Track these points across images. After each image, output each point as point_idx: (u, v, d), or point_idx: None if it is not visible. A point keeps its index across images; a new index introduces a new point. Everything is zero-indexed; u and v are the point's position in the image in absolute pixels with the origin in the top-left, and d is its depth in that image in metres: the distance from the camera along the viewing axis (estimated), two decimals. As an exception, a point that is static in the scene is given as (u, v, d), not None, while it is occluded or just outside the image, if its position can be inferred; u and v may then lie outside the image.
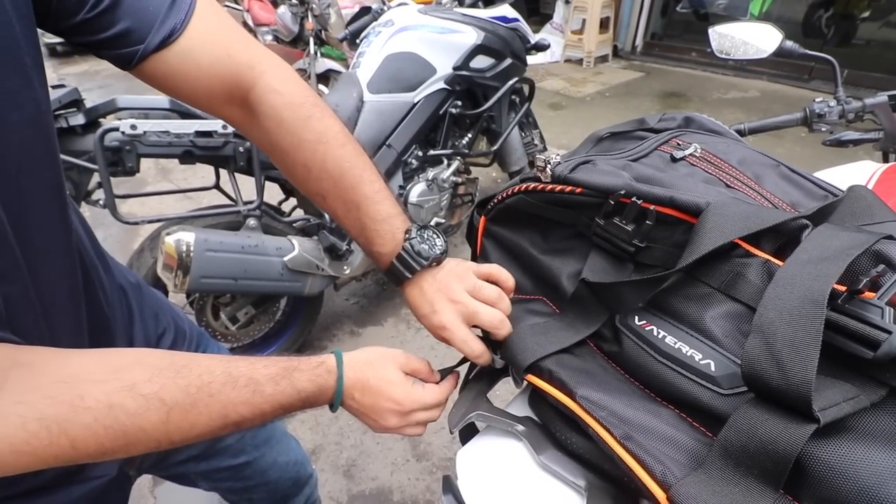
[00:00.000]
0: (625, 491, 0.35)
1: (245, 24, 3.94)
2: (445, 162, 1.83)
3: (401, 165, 1.72)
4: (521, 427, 0.41)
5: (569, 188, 0.42)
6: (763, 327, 0.28)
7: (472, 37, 1.66)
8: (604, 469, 0.36)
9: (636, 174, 0.41)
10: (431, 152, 1.77)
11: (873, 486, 0.25)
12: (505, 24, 1.75)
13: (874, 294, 0.28)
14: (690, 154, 0.44)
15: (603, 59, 4.75)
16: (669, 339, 0.35)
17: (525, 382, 0.42)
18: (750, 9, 4.33)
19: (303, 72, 3.20)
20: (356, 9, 3.29)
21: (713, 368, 0.33)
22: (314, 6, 3.25)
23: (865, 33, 4.29)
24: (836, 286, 0.29)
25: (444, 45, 1.63)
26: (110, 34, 0.38)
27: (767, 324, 0.28)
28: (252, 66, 0.45)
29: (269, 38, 3.67)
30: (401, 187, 1.73)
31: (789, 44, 1.02)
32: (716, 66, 4.22)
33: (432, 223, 1.82)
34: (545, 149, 2.40)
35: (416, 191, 1.74)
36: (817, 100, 1.02)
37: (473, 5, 1.80)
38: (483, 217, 0.53)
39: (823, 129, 1.02)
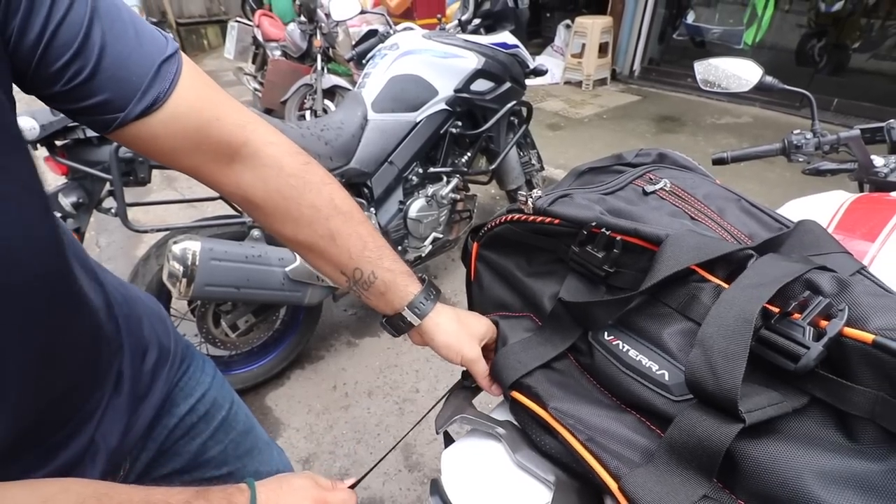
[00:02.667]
0: (589, 487, 0.40)
1: (255, 39, 4.04)
2: (445, 179, 1.89)
3: (401, 181, 1.78)
4: (500, 429, 0.46)
5: (548, 220, 0.47)
6: (704, 341, 0.33)
7: (473, 61, 1.74)
8: (571, 467, 0.41)
9: (609, 207, 0.46)
10: (432, 169, 1.84)
11: (792, 480, 0.30)
12: (505, 50, 1.83)
13: (800, 315, 0.33)
14: (661, 188, 0.49)
15: (601, 82, 4.87)
16: (632, 353, 0.40)
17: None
18: (744, 38, 4.46)
19: (309, 87, 3.28)
20: (364, 28, 3.41)
21: (667, 378, 0.37)
22: (323, 24, 3.35)
23: (857, 63, 4.41)
24: (772, 308, 0.34)
25: (446, 68, 1.71)
26: (88, 104, 0.38)
27: (707, 338, 0.33)
28: (243, 126, 0.46)
29: (277, 53, 3.77)
30: (401, 203, 1.78)
31: (769, 79, 1.08)
32: (710, 92, 4.32)
33: (431, 237, 1.88)
34: (542, 168, 2.47)
35: (416, 206, 1.79)
36: (795, 132, 1.08)
37: (475, 32, 1.88)
38: (476, 243, 0.58)
39: (801, 159, 1.07)
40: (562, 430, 0.40)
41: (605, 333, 0.43)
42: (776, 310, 0.33)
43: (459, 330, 0.52)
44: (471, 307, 0.62)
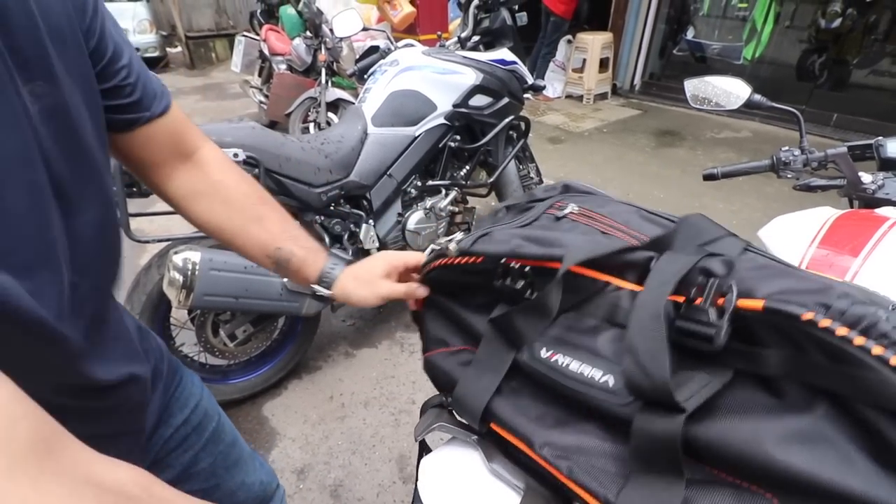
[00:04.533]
0: (558, 494, 0.41)
1: (261, 53, 4.12)
2: (443, 192, 1.92)
3: (400, 194, 1.81)
4: (475, 437, 0.47)
5: (471, 259, 0.50)
6: (630, 346, 0.35)
7: (472, 77, 1.78)
8: (542, 475, 0.42)
9: (527, 236, 0.49)
10: (430, 182, 1.87)
11: (750, 449, 0.32)
12: (503, 67, 1.87)
13: (702, 299, 0.35)
14: (570, 212, 0.52)
15: (602, 96, 4.93)
16: (573, 365, 0.41)
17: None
18: (744, 53, 4.51)
19: (314, 100, 3.34)
20: (368, 42, 3.48)
21: (611, 384, 0.39)
22: (327, 39, 3.43)
23: (857, 78, 4.43)
24: (679, 299, 0.36)
25: (445, 84, 1.74)
26: (128, 101, 0.48)
27: (633, 342, 0.35)
28: (200, 136, 0.59)
29: (283, 66, 3.84)
30: (399, 215, 1.81)
31: (757, 97, 1.10)
32: (700, 109, 4.36)
33: (428, 250, 1.89)
34: (541, 181, 2.50)
35: (414, 218, 1.82)
36: (783, 149, 1.09)
37: (474, 48, 1.92)
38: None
39: (789, 175, 1.09)
40: (544, 464, 0.42)
41: (543, 350, 0.44)
42: (682, 300, 0.36)
43: (365, 283, 0.60)
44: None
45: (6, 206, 0.33)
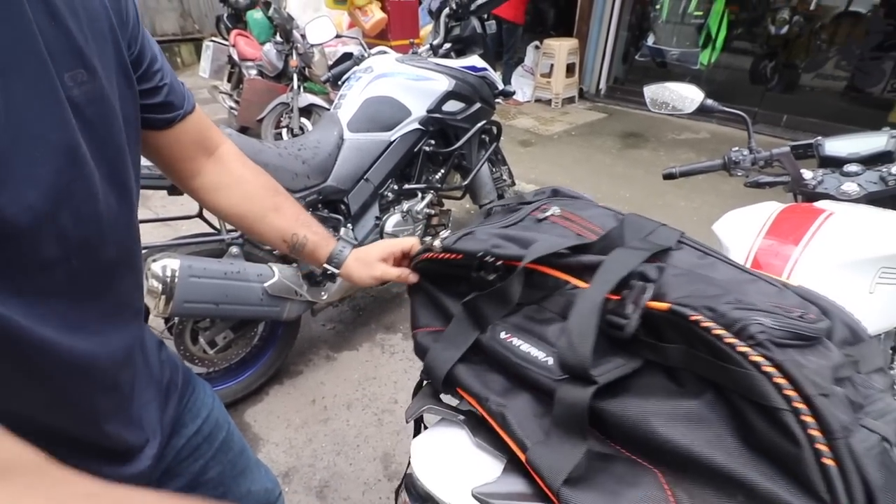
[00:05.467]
0: None
1: (230, 59, 4.07)
2: (420, 195, 1.96)
3: (377, 198, 1.84)
4: (461, 417, 0.52)
5: (452, 255, 0.57)
6: (567, 328, 0.43)
7: (444, 84, 1.83)
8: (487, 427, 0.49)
9: (506, 235, 0.55)
10: (406, 186, 1.91)
11: (641, 423, 0.40)
12: (475, 73, 1.93)
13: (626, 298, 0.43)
14: (551, 215, 0.59)
15: (570, 100, 5.08)
16: (524, 347, 0.49)
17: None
18: (700, 58, 4.73)
19: (286, 105, 3.33)
20: (340, 47, 3.49)
21: (550, 363, 0.47)
22: (299, 45, 3.42)
23: (805, 81, 4.72)
24: (616, 298, 0.43)
25: (419, 90, 1.79)
26: (162, 101, 0.53)
27: (570, 325, 0.43)
28: (221, 134, 0.65)
29: (253, 72, 3.81)
30: (377, 218, 1.84)
31: (709, 101, 1.20)
32: (658, 113, 4.56)
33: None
34: (514, 183, 2.57)
35: (392, 221, 1.86)
36: (734, 149, 1.19)
37: (446, 56, 1.97)
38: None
39: (740, 173, 1.19)
40: (483, 412, 0.50)
41: (502, 333, 0.52)
42: (618, 298, 0.43)
43: (364, 264, 0.69)
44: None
45: (42, 172, 0.36)
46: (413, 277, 0.66)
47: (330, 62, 3.47)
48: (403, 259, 0.70)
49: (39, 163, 0.36)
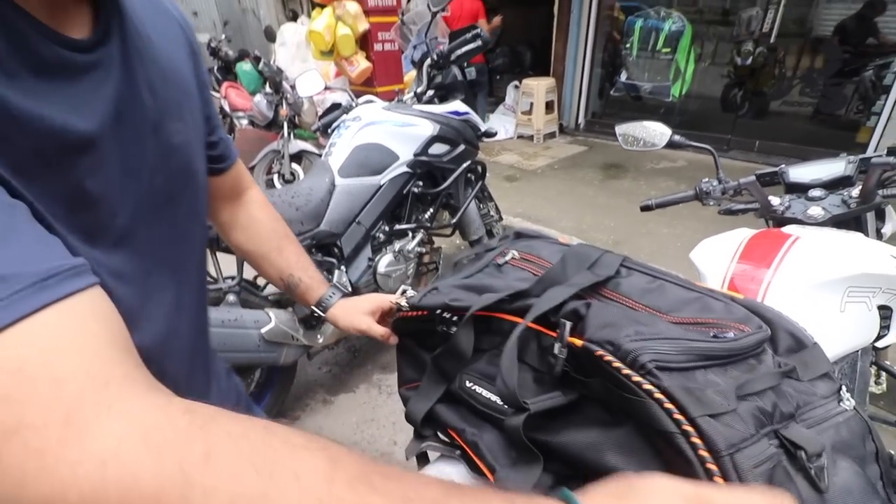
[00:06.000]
0: None
1: (221, 109, 4.20)
2: (410, 234, 2.02)
3: (369, 240, 1.89)
4: (458, 452, 0.55)
5: (417, 312, 0.61)
6: (500, 363, 0.46)
7: (430, 129, 1.92)
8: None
9: (466, 286, 0.59)
10: (398, 227, 1.96)
11: (582, 451, 0.43)
12: (458, 117, 2.03)
13: (556, 335, 0.45)
14: (510, 259, 0.63)
15: (551, 135, 5.27)
16: (485, 393, 0.53)
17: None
18: (672, 91, 4.98)
19: (277, 152, 3.42)
20: (328, 95, 3.63)
21: (501, 403, 0.51)
22: (288, 95, 3.56)
23: (774, 107, 4.92)
24: (553, 334, 0.46)
25: (406, 136, 1.88)
26: (217, 153, 0.63)
27: (501, 361, 0.46)
28: (250, 181, 0.74)
29: (244, 122, 3.92)
30: (370, 259, 1.88)
31: (677, 137, 1.28)
32: (632, 149, 4.72)
33: (400, 290, 1.97)
34: (501, 218, 2.65)
35: (385, 262, 1.90)
36: (704, 180, 1.26)
37: (430, 102, 2.08)
38: (393, 332, 0.72)
39: (712, 203, 1.26)
40: (461, 442, 0.55)
41: (467, 382, 0.55)
42: (555, 334, 0.46)
43: (351, 313, 0.74)
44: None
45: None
46: (393, 339, 0.69)
47: (319, 110, 3.59)
48: (389, 314, 0.73)
49: (142, 202, 0.44)
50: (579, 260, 0.54)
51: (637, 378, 0.38)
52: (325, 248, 1.79)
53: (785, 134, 4.44)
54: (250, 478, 0.25)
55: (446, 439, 0.59)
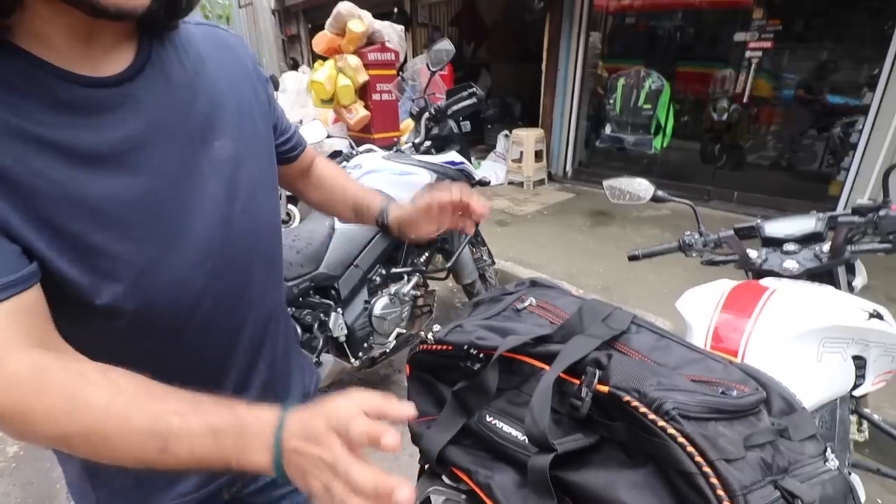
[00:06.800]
0: None
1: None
2: (406, 277, 2.06)
3: (366, 282, 1.93)
4: (463, 496, 0.58)
5: (443, 347, 0.65)
6: (531, 406, 0.50)
7: (427, 177, 2.01)
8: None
9: (489, 326, 0.64)
10: (394, 270, 2.01)
11: (600, 491, 0.46)
12: (453, 167, 2.13)
13: (580, 382, 0.51)
14: (529, 305, 0.68)
15: (540, 182, 5.46)
16: (506, 428, 0.56)
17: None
18: (654, 144, 5.24)
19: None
20: (327, 140, 3.76)
21: (526, 440, 0.53)
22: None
23: (752, 160, 5.19)
24: (576, 381, 0.51)
25: (404, 184, 1.96)
26: (292, 145, 0.77)
27: (532, 403, 0.50)
28: (314, 155, 0.88)
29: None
30: (366, 302, 1.92)
31: (660, 193, 1.37)
32: (619, 204, 4.91)
33: (395, 333, 1.99)
34: (493, 262, 2.71)
35: (380, 304, 1.93)
36: (686, 233, 1.34)
37: (427, 152, 2.19)
38: (408, 365, 0.75)
39: (694, 255, 1.33)
40: (472, 484, 0.56)
41: (488, 417, 0.59)
42: (577, 381, 0.51)
43: (406, 209, 0.83)
44: None
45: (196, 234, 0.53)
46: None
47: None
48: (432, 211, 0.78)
49: (199, 217, 0.54)
50: (594, 313, 0.59)
51: (662, 423, 0.42)
52: (322, 290, 1.82)
53: (762, 186, 4.66)
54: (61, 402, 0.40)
55: (451, 482, 0.62)
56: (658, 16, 5.53)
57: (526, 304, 0.68)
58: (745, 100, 4.81)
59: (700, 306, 1.10)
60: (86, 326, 0.48)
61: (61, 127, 0.43)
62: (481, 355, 0.59)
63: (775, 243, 1.30)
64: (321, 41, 4.22)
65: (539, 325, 0.63)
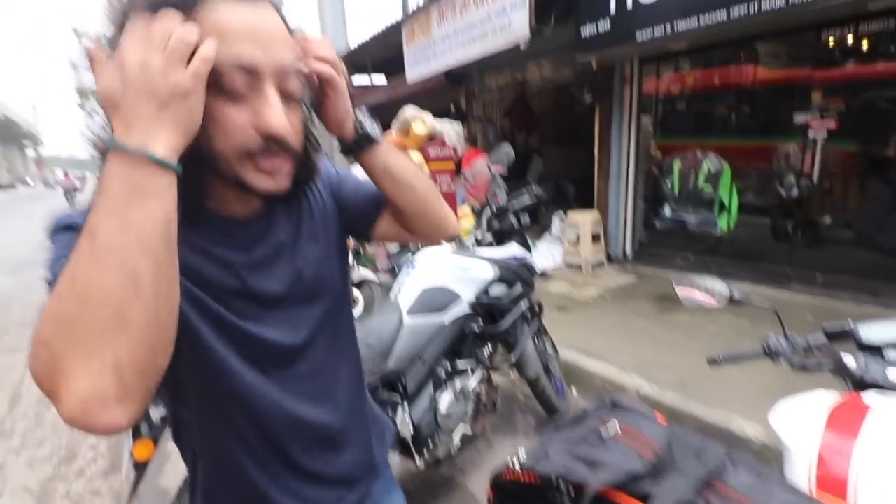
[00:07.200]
0: None
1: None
2: (470, 371, 2.06)
3: (431, 376, 1.95)
4: None
5: (529, 476, 0.65)
6: None
7: (490, 272, 2.08)
8: None
9: (575, 455, 0.63)
10: (459, 364, 2.02)
11: None
12: (516, 261, 2.20)
13: None
14: (615, 433, 0.67)
15: (599, 264, 5.38)
16: None
17: None
18: (719, 223, 5.07)
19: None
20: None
21: None
22: (354, 231, 3.97)
23: (832, 236, 4.63)
24: None
25: (469, 279, 2.04)
26: (366, 213, 0.83)
27: None
28: None
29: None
30: (431, 397, 1.92)
31: (738, 295, 1.32)
32: (699, 271, 4.69)
33: (460, 433, 1.96)
34: (557, 353, 2.65)
35: (445, 401, 1.93)
36: (770, 336, 1.27)
37: (489, 245, 2.28)
38: (491, 488, 0.75)
39: (783, 362, 1.25)
40: None
41: None
42: None
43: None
44: None
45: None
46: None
47: (386, 245, 3.95)
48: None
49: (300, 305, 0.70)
50: (685, 446, 0.58)
51: None
52: (389, 385, 1.86)
53: (848, 266, 4.25)
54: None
55: None
56: (710, 97, 5.47)
57: (611, 432, 0.68)
58: (813, 178, 4.60)
59: (799, 423, 1.01)
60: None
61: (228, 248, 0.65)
62: (571, 489, 0.59)
63: (874, 350, 1.20)
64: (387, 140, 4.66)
65: (626, 456, 0.63)
